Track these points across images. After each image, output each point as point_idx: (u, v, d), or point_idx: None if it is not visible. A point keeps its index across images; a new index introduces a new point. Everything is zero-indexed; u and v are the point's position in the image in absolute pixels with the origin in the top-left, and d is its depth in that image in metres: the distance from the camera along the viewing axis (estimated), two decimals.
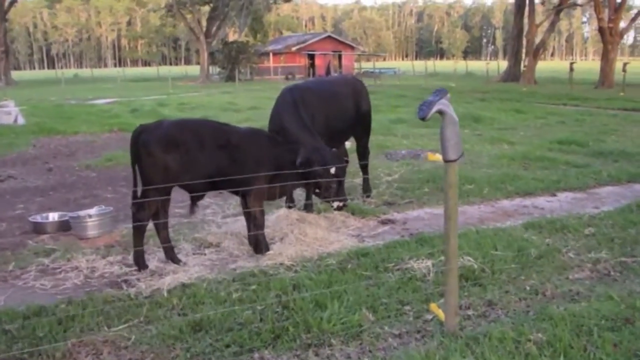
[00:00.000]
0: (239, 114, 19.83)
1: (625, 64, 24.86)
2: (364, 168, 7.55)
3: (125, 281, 4.97)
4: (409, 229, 6.25)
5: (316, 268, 4.99)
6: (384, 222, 6.47)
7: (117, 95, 29.84)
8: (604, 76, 29.51)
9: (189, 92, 33.94)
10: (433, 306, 3.98)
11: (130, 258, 5.39)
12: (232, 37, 57.73)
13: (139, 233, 5.12)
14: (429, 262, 4.94)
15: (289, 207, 6.60)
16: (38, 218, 6.69)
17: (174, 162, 4.97)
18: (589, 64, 38.58)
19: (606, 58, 29.73)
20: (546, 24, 36.89)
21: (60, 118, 18.18)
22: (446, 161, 3.73)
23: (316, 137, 6.08)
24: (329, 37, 60.57)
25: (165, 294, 4.51)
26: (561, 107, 19.91)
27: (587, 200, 7.36)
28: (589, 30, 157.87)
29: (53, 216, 6.79)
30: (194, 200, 5.34)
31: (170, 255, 5.31)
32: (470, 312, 4.14)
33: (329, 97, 6.70)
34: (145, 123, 5.19)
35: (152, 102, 24.25)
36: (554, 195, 7.62)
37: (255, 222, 5.34)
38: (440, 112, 3.64)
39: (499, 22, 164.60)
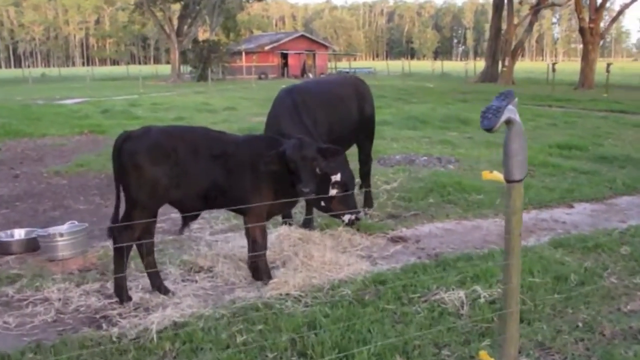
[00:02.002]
0: (214, 115, 18.98)
1: (609, 65, 24.77)
2: (366, 178, 6.88)
3: (105, 317, 4.21)
4: (424, 249, 5.60)
5: (329, 300, 4.30)
6: (394, 240, 5.80)
7: (86, 95, 28.54)
8: (584, 77, 29.44)
9: (161, 91, 32.80)
10: (483, 355, 3.32)
11: (109, 286, 4.62)
12: (203, 36, 56.50)
13: (120, 259, 4.35)
14: (461, 293, 4.28)
15: (286, 223, 5.88)
16: (2, 235, 5.86)
17: (164, 175, 4.22)
18: (561, 65, 38.55)
19: (587, 59, 29.66)
20: (525, 24, 36.84)
21: (28, 119, 17.03)
22: (509, 181, 3.08)
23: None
24: (302, 36, 59.85)
25: (155, 337, 3.75)
26: (546, 108, 19.62)
27: (609, 212, 6.83)
28: (559, 31, 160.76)
29: (19, 233, 5.99)
30: (187, 220, 4.58)
31: (157, 284, 4.55)
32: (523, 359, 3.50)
33: (331, 100, 6.01)
34: (130, 130, 4.42)
35: (123, 102, 23.16)
36: (571, 206, 7.08)
37: (255, 245, 4.62)
38: (508, 121, 2.98)
39: (469, 23, 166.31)
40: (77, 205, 7.47)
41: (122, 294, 4.37)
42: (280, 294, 4.42)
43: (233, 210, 4.85)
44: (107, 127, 14.98)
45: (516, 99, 3.03)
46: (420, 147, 11.38)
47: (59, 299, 4.47)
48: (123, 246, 4.28)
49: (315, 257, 4.95)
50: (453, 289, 4.36)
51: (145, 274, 4.66)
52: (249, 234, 4.62)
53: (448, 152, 10.70)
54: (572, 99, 22.66)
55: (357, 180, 5.38)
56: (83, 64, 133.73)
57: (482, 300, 4.23)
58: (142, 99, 25.95)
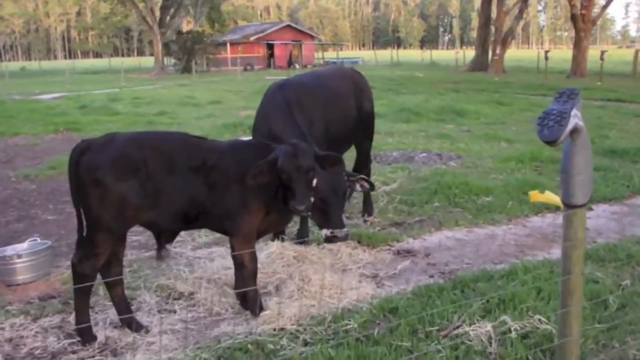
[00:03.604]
0: (199, 109, 18.21)
1: (603, 52, 24.23)
2: None
3: None
4: (436, 264, 4.95)
5: (333, 336, 3.64)
6: (401, 254, 5.14)
7: (65, 90, 27.48)
8: (576, 65, 28.85)
9: (143, 85, 31.80)
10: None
11: (72, 320, 3.91)
12: (187, 27, 55.27)
13: (83, 294, 3.65)
14: (488, 326, 3.62)
15: (278, 238, 5.18)
16: None
17: (133, 192, 3.51)
18: (550, 53, 37.78)
19: (579, 46, 29.03)
20: (514, 12, 36.16)
21: (0, 117, 16.12)
22: (569, 206, 2.42)
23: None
24: (288, 26, 58.76)
25: None
26: (541, 97, 19.04)
27: (632, 215, 6.23)
28: (545, 19, 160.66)
29: None
30: (162, 243, 3.88)
31: (128, 320, 3.85)
32: None
33: (327, 96, 5.31)
34: (89, 138, 3.69)
35: (103, 97, 22.20)
36: (590, 208, 6.45)
37: (243, 271, 3.93)
38: (573, 130, 2.32)
39: (455, 11, 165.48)
40: (45, 215, 6.72)
41: (85, 333, 3.68)
42: (274, 329, 3.75)
43: (217, 231, 4.15)
44: (84, 125, 14.17)
45: (580, 100, 2.36)
46: (417, 142, 10.73)
47: (10, 339, 3.77)
48: (85, 278, 3.58)
49: (313, 281, 4.28)
50: (478, 320, 3.71)
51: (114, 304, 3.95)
52: (235, 257, 3.93)
53: (447, 148, 10.06)
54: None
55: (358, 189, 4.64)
56: (65, 57, 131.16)
57: (512, 334, 3.58)
58: (123, 92, 25.01)
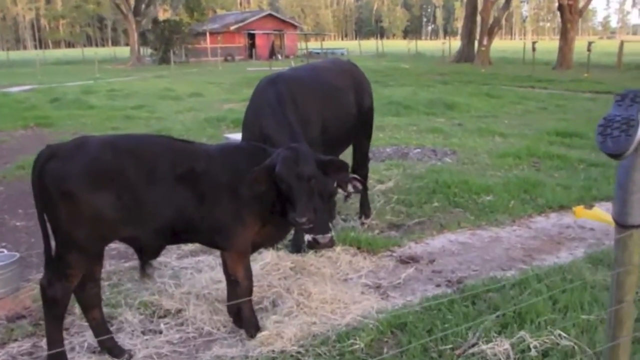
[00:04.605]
0: (179, 102, 17.58)
1: (590, 44, 24.09)
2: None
3: None
4: (441, 272, 4.60)
5: (338, 357, 3.29)
6: (403, 261, 4.79)
7: (36, 82, 26.37)
8: (563, 56, 28.63)
9: (119, 76, 30.87)
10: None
11: (44, 345, 3.47)
12: (164, 16, 54.03)
13: (55, 319, 3.22)
14: (506, 344, 3.30)
15: (273, 248, 4.76)
16: None
17: (109, 205, 3.08)
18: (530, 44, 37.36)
19: (565, 37, 28.79)
20: (500, 2, 35.85)
21: None
22: (624, 226, 2.07)
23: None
24: (270, 15, 57.81)
25: None
26: (530, 90, 18.85)
27: None
28: (527, 9, 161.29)
29: None
30: (145, 259, 3.46)
31: (108, 344, 3.44)
32: None
33: (325, 92, 4.90)
34: (56, 143, 3.23)
35: (76, 89, 21.33)
36: (593, 207, 6.17)
37: (237, 289, 3.54)
38: None
39: (439, 1, 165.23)
40: (14, 221, 6.21)
41: None
42: (273, 351, 3.38)
43: (208, 245, 3.74)
44: (56, 119, 13.47)
45: None
46: (410, 137, 10.38)
47: None
48: (56, 302, 3.15)
49: (313, 294, 3.90)
50: (494, 337, 3.38)
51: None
52: (229, 274, 3.54)
53: (441, 143, 9.73)
54: (554, 79, 21.94)
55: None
56: (35, 47, 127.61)
57: (532, 352, 3.27)
58: (98, 84, 24.15)
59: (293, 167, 3.17)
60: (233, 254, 3.42)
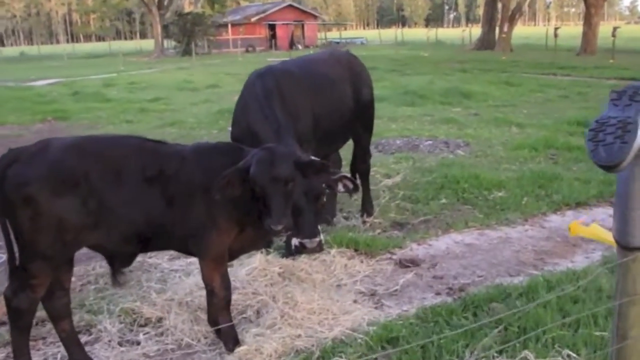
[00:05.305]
0: (196, 94, 17.51)
1: (615, 29, 23.20)
2: (364, 179, 5.54)
3: None
4: (443, 277, 4.31)
5: None
6: (403, 265, 4.50)
7: (62, 75, 26.71)
8: (586, 42, 27.73)
9: (142, 68, 31.02)
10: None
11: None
12: (188, 9, 54.14)
13: (21, 331, 3.05)
14: None
15: (262, 251, 4.52)
16: None
17: (73, 211, 2.88)
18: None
19: (589, 22, 27.88)
20: None
21: None
22: (628, 248, 1.76)
23: (297, 143, 4.04)
24: (290, 6, 57.37)
25: None
26: (552, 77, 18.24)
27: None
28: None
29: None
30: (117, 268, 3.25)
31: (78, 358, 3.25)
32: None
33: (318, 85, 4.63)
34: (19, 147, 3.04)
35: (98, 82, 21.52)
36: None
37: (213, 298, 3.31)
38: None
39: None
40: None
41: None
42: None
43: (183, 252, 3.53)
44: (72, 113, 13.53)
45: None
46: (422, 127, 10.04)
47: None
48: (21, 313, 2.98)
49: (300, 304, 3.65)
50: (494, 357, 3.08)
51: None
52: (205, 283, 3.31)
53: (455, 134, 9.37)
54: (577, 66, 21.20)
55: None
56: (67, 41, 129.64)
57: None
58: (120, 77, 24.31)
59: (268, 170, 2.91)
60: (208, 262, 3.20)
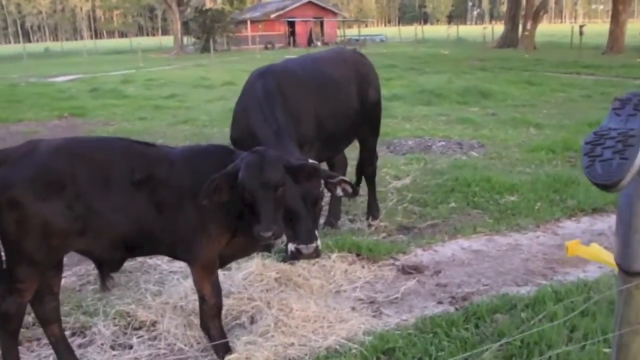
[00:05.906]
0: (211, 91, 17.52)
1: None
2: (370, 182, 5.41)
3: None
4: (446, 285, 4.17)
5: None
6: (405, 272, 4.37)
7: (82, 71, 27.01)
8: (613, 40, 27.01)
9: (161, 65, 31.19)
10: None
11: None
12: (208, 5, 54.37)
13: (9, 336, 3.00)
14: None
15: (259, 255, 4.42)
16: None
17: (59, 215, 2.82)
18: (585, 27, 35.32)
19: (616, 20, 27.18)
20: None
21: (7, 102, 15.62)
22: (628, 273, 1.62)
23: (297, 145, 3.94)
24: (310, 2, 57.14)
25: None
26: (575, 76, 17.83)
27: None
28: None
29: None
30: (106, 272, 3.19)
31: None
32: None
33: (321, 85, 4.51)
34: (5, 149, 2.98)
35: (117, 79, 21.68)
36: None
37: (205, 306, 3.23)
38: None
39: None
40: None
41: None
42: None
43: (173, 258, 3.45)
44: (89, 110, 13.62)
45: None
46: (437, 127, 9.86)
47: None
48: (9, 318, 2.92)
49: (294, 311, 3.55)
50: None
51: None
52: (197, 289, 3.23)
53: (470, 134, 9.17)
54: (602, 65, 20.70)
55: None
56: (91, 37, 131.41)
57: None
58: (138, 73, 24.46)
59: (257, 175, 2.81)
60: (198, 268, 3.11)
